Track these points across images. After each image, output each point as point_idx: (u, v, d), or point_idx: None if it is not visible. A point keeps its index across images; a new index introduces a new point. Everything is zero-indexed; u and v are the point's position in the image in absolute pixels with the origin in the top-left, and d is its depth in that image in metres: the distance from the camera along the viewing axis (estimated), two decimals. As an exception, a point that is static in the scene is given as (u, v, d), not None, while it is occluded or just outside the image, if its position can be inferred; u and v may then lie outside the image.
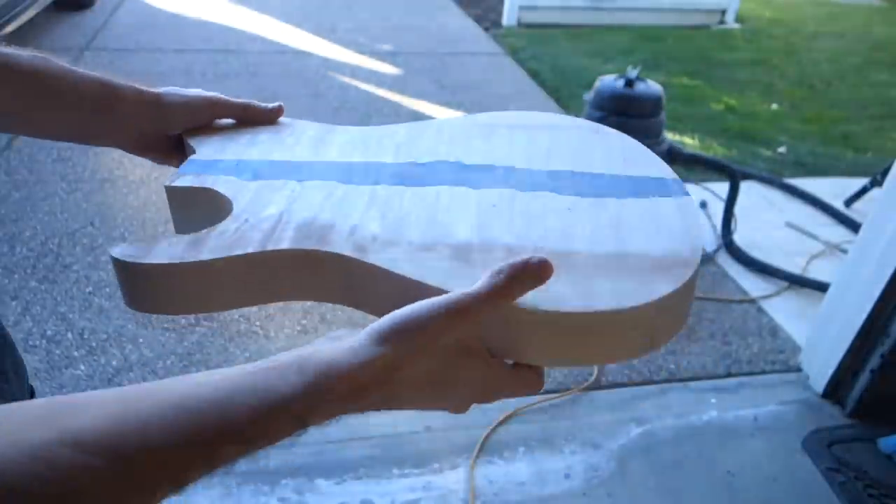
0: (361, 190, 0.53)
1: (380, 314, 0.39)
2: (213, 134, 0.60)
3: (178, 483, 0.31)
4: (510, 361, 0.43)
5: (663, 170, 0.58)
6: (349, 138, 0.61)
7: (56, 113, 0.56)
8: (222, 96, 0.61)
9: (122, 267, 0.45)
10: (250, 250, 0.45)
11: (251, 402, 0.32)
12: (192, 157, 0.57)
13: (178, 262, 0.44)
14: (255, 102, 0.62)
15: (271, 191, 0.52)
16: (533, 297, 0.41)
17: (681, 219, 0.50)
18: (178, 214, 0.56)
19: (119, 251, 0.45)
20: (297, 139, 0.60)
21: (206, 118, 0.61)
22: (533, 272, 0.39)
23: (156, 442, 0.30)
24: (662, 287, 0.43)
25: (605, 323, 0.42)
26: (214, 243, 0.46)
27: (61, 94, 0.55)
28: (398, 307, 0.38)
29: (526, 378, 0.43)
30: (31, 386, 0.71)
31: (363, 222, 0.49)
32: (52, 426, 0.28)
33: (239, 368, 0.34)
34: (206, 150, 0.58)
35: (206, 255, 0.45)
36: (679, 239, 0.48)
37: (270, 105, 0.62)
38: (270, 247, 0.46)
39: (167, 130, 0.61)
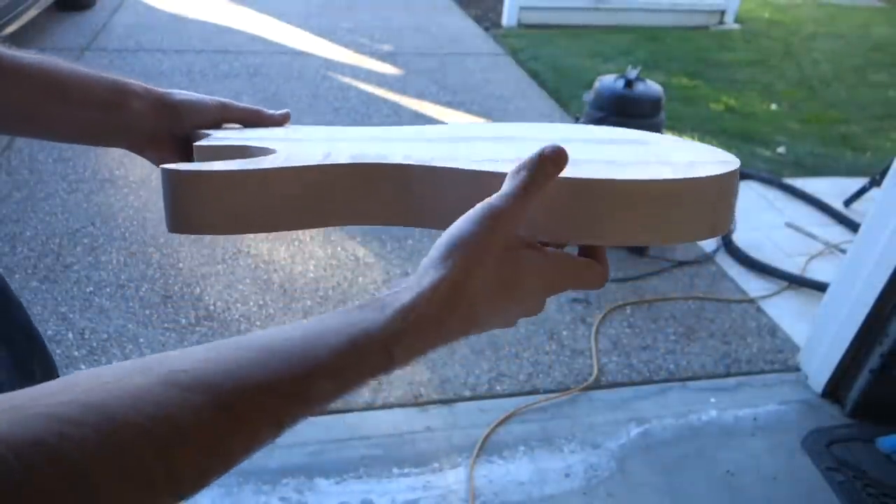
0: (397, 144, 0.52)
1: (443, 226, 0.40)
2: (222, 132, 0.61)
3: (279, 423, 0.32)
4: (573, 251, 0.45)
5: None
6: (361, 135, 0.61)
7: (64, 113, 0.57)
8: (232, 101, 0.62)
9: (175, 180, 0.45)
10: (311, 163, 0.45)
11: (337, 337, 0.33)
12: (211, 134, 0.57)
13: (237, 169, 0.44)
14: (264, 109, 0.62)
15: (309, 143, 0.52)
16: (608, 172, 0.43)
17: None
18: None
19: (173, 165, 0.45)
20: (309, 135, 0.61)
21: (214, 120, 0.61)
22: (550, 159, 0.40)
23: (250, 380, 0.30)
24: (723, 167, 0.46)
25: (682, 193, 0.43)
26: (271, 161, 0.46)
27: (69, 94, 0.55)
28: (463, 213, 0.39)
29: (590, 265, 0.43)
30: None
31: (414, 152, 0.48)
32: (149, 372, 0.29)
33: (318, 316, 0.35)
34: (221, 136, 0.58)
35: (265, 164, 0.45)
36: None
37: (278, 112, 0.62)
38: (330, 161, 0.46)
39: (176, 131, 0.61)
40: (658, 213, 0.43)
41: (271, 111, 0.62)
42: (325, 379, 0.32)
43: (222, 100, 0.61)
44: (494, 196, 0.39)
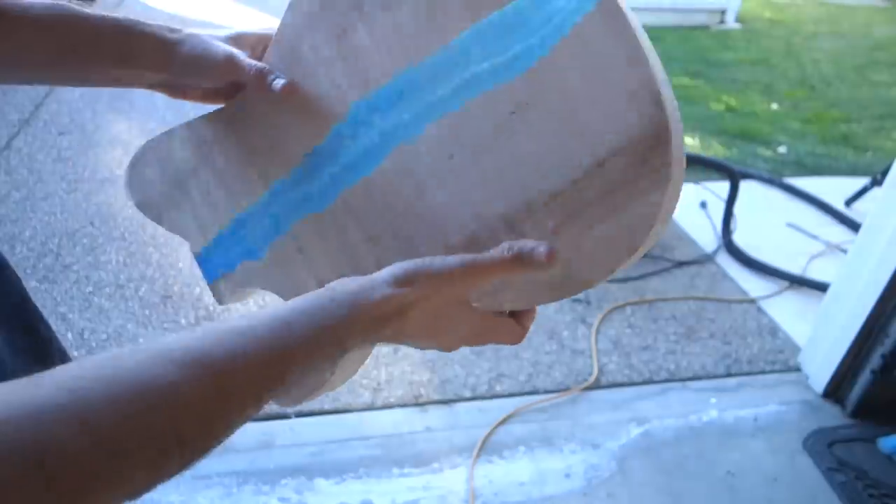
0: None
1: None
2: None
3: (260, 399, 0.35)
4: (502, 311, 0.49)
5: None
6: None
7: (78, 67, 0.57)
8: (239, 57, 0.57)
9: None
10: None
11: (307, 325, 0.38)
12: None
13: None
14: (267, 71, 0.57)
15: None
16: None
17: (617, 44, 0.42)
18: None
19: None
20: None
21: (223, 78, 0.59)
22: (538, 261, 0.44)
23: (238, 358, 0.34)
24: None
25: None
26: None
27: (78, 49, 0.55)
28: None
29: (507, 324, 0.49)
30: None
31: None
32: (146, 349, 0.32)
33: (290, 304, 0.40)
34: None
35: None
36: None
37: (279, 84, 0.56)
38: None
39: (185, 85, 0.60)
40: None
41: (271, 79, 0.57)
42: (299, 363, 0.37)
43: (228, 57, 0.57)
44: (477, 256, 0.44)
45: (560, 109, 0.44)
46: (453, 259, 0.43)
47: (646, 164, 0.42)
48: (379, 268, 0.43)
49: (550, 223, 0.45)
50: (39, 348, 0.66)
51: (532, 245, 0.44)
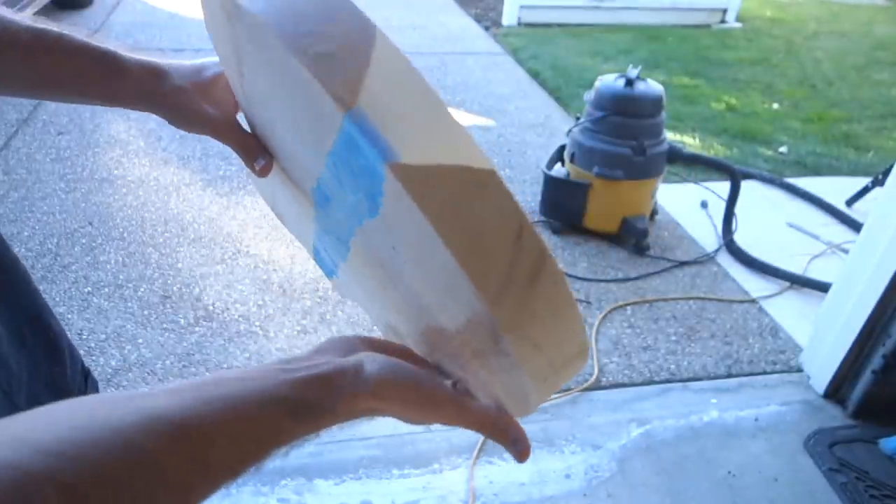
0: None
1: None
2: None
3: (237, 471, 0.34)
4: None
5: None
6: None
7: (61, 96, 0.57)
8: (223, 129, 0.58)
9: None
10: None
11: (283, 399, 0.36)
12: None
13: None
14: (250, 152, 0.57)
15: None
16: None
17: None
18: None
19: None
20: None
21: (207, 134, 0.59)
22: (514, 451, 0.43)
23: (222, 425, 0.33)
24: None
25: None
26: None
27: (64, 83, 0.55)
28: None
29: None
30: (87, 368, 0.74)
31: None
32: (129, 409, 0.31)
33: (261, 373, 0.37)
34: None
35: None
36: None
37: (259, 165, 0.57)
38: None
39: (175, 124, 0.59)
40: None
41: (256, 161, 0.57)
42: (279, 436, 0.35)
43: (215, 120, 0.57)
44: (466, 397, 0.42)
45: (418, 259, 0.38)
46: (442, 389, 0.41)
47: (498, 345, 0.37)
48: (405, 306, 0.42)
49: (468, 352, 0.42)
50: (49, 342, 0.66)
51: (516, 436, 0.43)
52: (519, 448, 0.43)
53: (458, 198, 0.33)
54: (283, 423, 0.35)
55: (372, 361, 0.39)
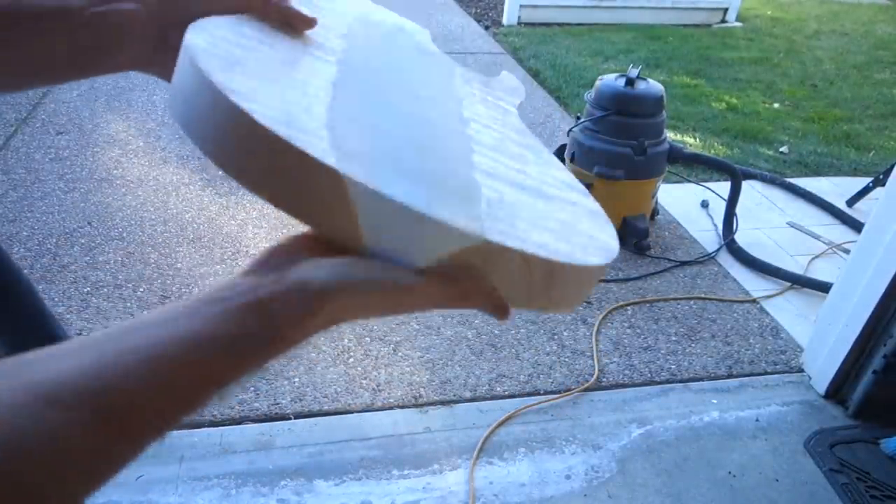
0: None
1: None
2: None
3: (172, 423, 0.31)
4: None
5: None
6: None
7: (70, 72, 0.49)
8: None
9: None
10: None
11: (218, 342, 0.32)
12: None
13: None
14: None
15: None
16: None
17: None
18: None
19: None
20: None
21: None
22: (490, 309, 0.38)
23: (135, 388, 0.29)
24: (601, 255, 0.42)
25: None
26: None
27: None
28: None
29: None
30: None
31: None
32: (27, 383, 0.28)
33: (188, 314, 0.33)
34: None
35: None
36: None
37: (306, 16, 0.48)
38: None
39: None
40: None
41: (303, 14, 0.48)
42: (208, 387, 0.32)
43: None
44: (408, 275, 0.36)
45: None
46: (403, 281, 0.36)
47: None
48: None
49: None
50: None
51: (487, 295, 0.38)
52: (494, 303, 0.37)
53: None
54: (216, 365, 0.32)
55: (317, 269, 0.34)
